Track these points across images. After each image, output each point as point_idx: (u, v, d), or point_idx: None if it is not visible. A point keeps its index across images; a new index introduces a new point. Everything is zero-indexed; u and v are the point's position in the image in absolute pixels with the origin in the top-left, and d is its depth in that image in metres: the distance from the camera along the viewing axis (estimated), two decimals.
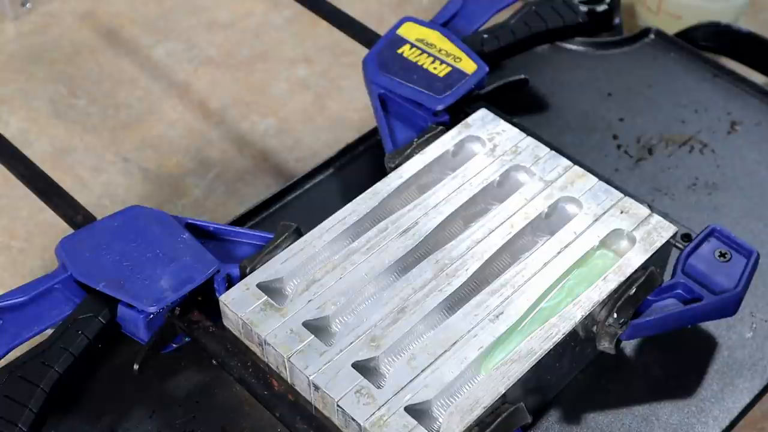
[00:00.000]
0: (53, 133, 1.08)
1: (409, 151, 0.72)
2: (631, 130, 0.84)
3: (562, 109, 0.86)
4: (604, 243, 0.65)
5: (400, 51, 0.79)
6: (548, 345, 0.60)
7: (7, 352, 0.62)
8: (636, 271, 0.63)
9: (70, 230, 0.70)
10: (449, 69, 0.77)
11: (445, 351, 0.59)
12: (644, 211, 0.66)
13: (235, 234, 0.69)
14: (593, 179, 0.68)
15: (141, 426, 0.65)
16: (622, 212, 0.66)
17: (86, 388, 0.67)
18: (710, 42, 0.93)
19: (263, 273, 0.64)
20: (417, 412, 0.57)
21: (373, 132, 0.84)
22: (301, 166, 1.03)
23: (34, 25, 1.22)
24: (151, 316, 0.63)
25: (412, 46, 0.79)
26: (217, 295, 0.65)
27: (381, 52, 0.79)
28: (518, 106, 0.84)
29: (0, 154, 0.76)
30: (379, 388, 0.58)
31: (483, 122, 0.73)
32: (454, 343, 0.60)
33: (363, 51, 0.82)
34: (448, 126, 0.74)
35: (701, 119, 0.85)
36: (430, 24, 0.81)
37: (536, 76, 0.87)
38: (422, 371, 0.58)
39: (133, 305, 0.63)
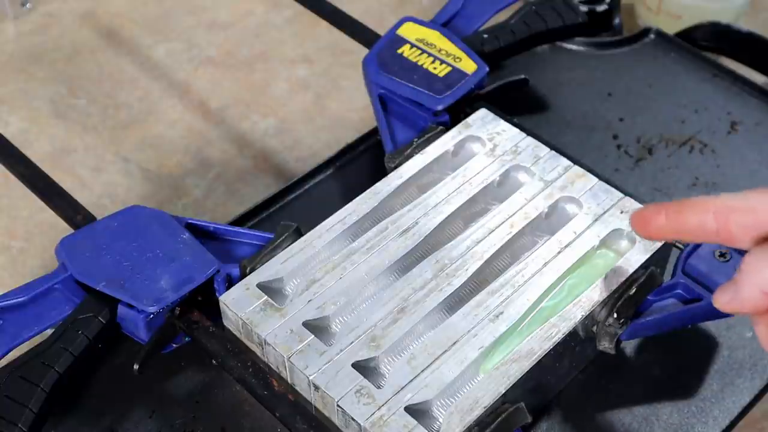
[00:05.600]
0: (53, 133, 1.08)
1: (409, 151, 0.72)
2: (631, 130, 0.84)
3: (562, 109, 0.86)
4: (604, 243, 0.65)
5: (400, 51, 0.79)
6: (548, 345, 0.60)
7: (7, 352, 0.62)
8: (636, 271, 0.63)
9: (70, 230, 0.70)
10: (449, 69, 0.77)
11: (445, 351, 0.59)
12: None
13: (235, 234, 0.70)
14: (593, 179, 0.69)
15: (141, 426, 0.65)
16: (622, 212, 0.66)
17: (86, 388, 0.67)
18: (710, 42, 0.93)
19: (263, 273, 0.64)
20: (417, 412, 0.57)
21: (373, 132, 0.84)
22: (301, 166, 1.03)
23: (34, 25, 1.22)
24: (151, 316, 0.63)
25: (412, 46, 0.79)
26: (217, 295, 0.65)
27: (381, 52, 0.79)
28: (518, 106, 0.84)
29: (0, 154, 0.76)
30: (379, 388, 0.58)
31: (483, 122, 0.73)
32: (454, 343, 0.60)
33: (363, 51, 0.82)
34: (448, 126, 0.74)
35: (701, 119, 0.85)
36: (430, 24, 0.81)
37: (536, 76, 0.87)
38: (422, 371, 0.58)
39: (133, 305, 0.63)
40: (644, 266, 0.63)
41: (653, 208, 0.49)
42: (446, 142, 0.72)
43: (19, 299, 0.64)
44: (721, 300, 0.47)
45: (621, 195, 0.67)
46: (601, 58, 0.91)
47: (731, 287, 0.46)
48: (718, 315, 0.64)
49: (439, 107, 0.75)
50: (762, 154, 0.82)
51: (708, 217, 0.46)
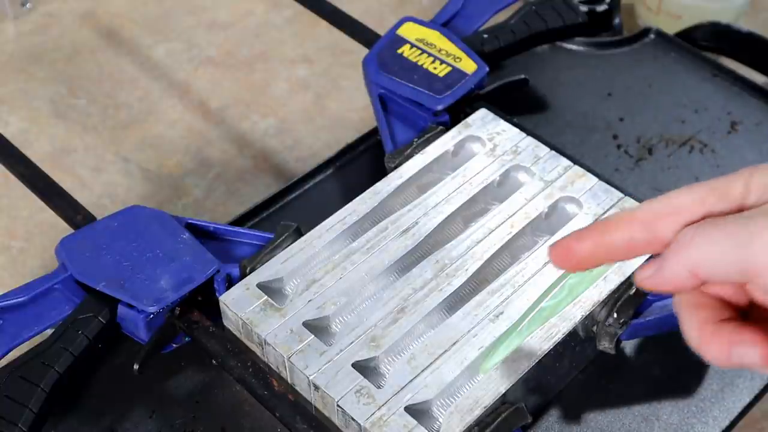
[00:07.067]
0: (53, 133, 1.08)
1: (409, 151, 0.72)
2: (631, 130, 0.84)
3: (562, 109, 0.86)
4: None
5: (400, 51, 0.79)
6: (548, 345, 0.60)
7: (7, 352, 0.62)
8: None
9: (70, 230, 0.70)
10: (449, 69, 0.77)
11: (445, 351, 0.59)
12: None
13: (235, 234, 0.70)
14: (593, 179, 0.69)
15: (141, 426, 0.65)
16: None
17: (86, 388, 0.67)
18: (710, 42, 0.93)
19: (263, 273, 0.64)
20: (417, 412, 0.57)
21: (373, 132, 0.84)
22: (301, 166, 1.03)
23: (34, 25, 1.22)
24: (151, 316, 0.63)
25: (412, 46, 0.79)
26: (217, 295, 0.65)
27: (381, 52, 0.79)
28: (518, 106, 0.84)
29: (0, 154, 0.76)
30: (379, 388, 0.58)
31: (483, 122, 0.73)
32: (454, 343, 0.60)
33: (363, 51, 0.82)
34: (448, 126, 0.74)
35: (701, 119, 0.85)
36: (430, 24, 0.81)
37: (536, 76, 0.87)
38: (422, 371, 0.58)
39: (133, 305, 0.63)
40: None
41: (574, 236, 0.45)
42: (446, 142, 0.72)
43: (19, 299, 0.64)
44: (641, 275, 0.43)
45: (621, 195, 0.67)
46: (601, 58, 0.91)
47: (655, 263, 0.43)
48: None
49: (439, 107, 0.75)
50: (762, 154, 0.82)
51: (636, 230, 0.43)
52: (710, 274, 0.41)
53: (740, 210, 0.41)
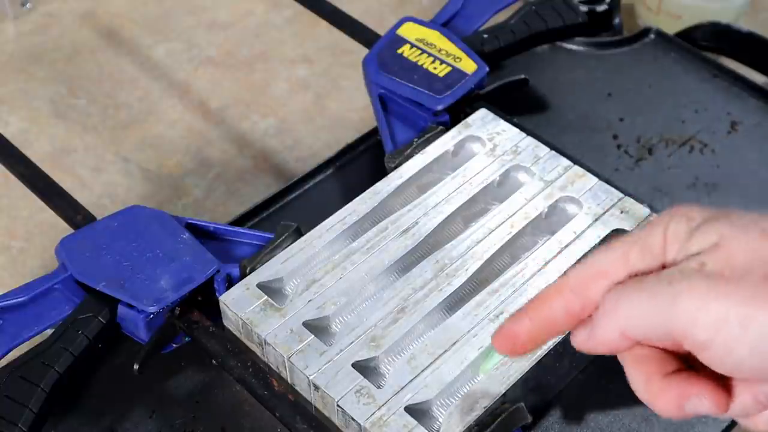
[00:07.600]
0: (53, 133, 1.08)
1: (409, 151, 0.72)
2: (631, 130, 0.84)
3: (562, 109, 0.86)
4: (604, 243, 0.65)
5: (400, 51, 0.79)
6: (548, 345, 0.59)
7: (7, 352, 0.62)
8: None
9: (70, 230, 0.70)
10: (449, 69, 0.77)
11: (445, 351, 0.59)
12: (644, 211, 0.66)
13: (235, 234, 0.70)
14: (593, 179, 0.69)
15: (141, 426, 0.65)
16: (622, 212, 0.66)
17: (86, 388, 0.67)
18: (710, 42, 0.93)
19: (263, 273, 0.64)
20: (417, 412, 0.57)
21: (373, 132, 0.84)
22: (301, 166, 1.03)
23: (34, 25, 1.22)
24: (151, 316, 0.63)
25: (412, 46, 0.79)
26: (217, 295, 0.65)
27: (381, 52, 0.79)
28: (518, 106, 0.84)
29: (0, 154, 0.76)
30: (379, 388, 0.58)
31: (483, 122, 0.73)
32: (454, 343, 0.60)
33: (363, 51, 0.82)
34: (448, 126, 0.74)
35: (701, 119, 0.85)
36: (430, 24, 0.81)
37: (536, 76, 0.87)
38: (422, 371, 0.58)
39: (133, 305, 0.63)
40: None
41: (512, 318, 0.45)
42: (446, 142, 0.72)
43: (19, 299, 0.64)
44: (576, 339, 0.43)
45: (621, 195, 0.67)
46: (601, 58, 0.90)
47: (587, 327, 0.42)
48: None
49: (439, 107, 0.75)
50: (762, 154, 0.82)
51: (568, 298, 0.43)
52: (640, 336, 0.40)
53: (662, 266, 0.41)
